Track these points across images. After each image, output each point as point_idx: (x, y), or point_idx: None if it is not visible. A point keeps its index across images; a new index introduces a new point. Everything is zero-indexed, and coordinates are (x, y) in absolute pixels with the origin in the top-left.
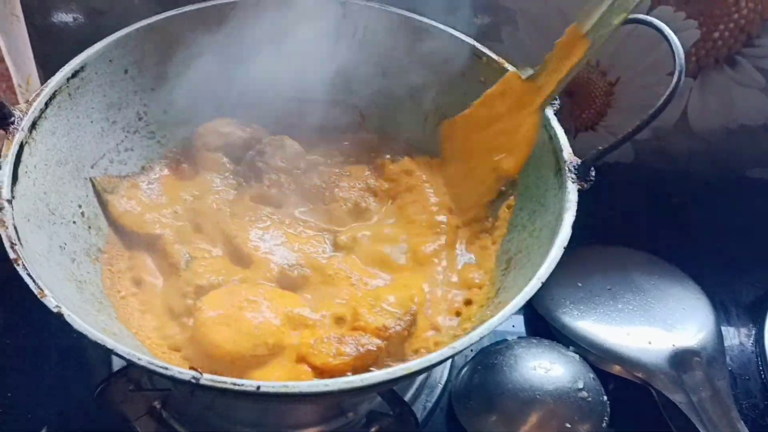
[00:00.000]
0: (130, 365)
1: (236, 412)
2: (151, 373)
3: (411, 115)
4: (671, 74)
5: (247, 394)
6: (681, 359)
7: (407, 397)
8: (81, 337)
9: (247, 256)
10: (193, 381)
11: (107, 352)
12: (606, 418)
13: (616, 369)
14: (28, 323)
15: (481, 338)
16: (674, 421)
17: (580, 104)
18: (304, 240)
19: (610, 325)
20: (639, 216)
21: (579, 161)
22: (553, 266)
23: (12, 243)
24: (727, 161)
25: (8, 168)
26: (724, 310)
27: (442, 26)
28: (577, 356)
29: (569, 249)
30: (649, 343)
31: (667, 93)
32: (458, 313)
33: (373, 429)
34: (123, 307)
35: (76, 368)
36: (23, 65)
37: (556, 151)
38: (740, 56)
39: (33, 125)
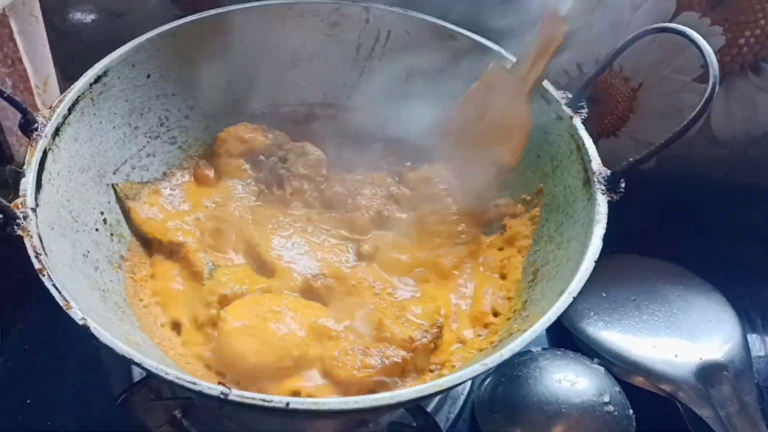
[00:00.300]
0: (156, 378)
1: (258, 422)
2: (178, 388)
3: (434, 122)
4: (696, 80)
5: (277, 411)
6: (708, 373)
7: (430, 408)
8: (102, 345)
9: (270, 265)
10: (222, 397)
11: (132, 364)
12: None
13: (640, 381)
14: (47, 329)
15: (513, 354)
16: None
17: (602, 110)
18: (327, 249)
19: (635, 336)
20: (661, 224)
21: (609, 172)
22: (584, 281)
23: (37, 253)
24: (751, 169)
25: (32, 176)
26: (748, 320)
27: (466, 32)
28: (602, 369)
29: None
30: (676, 356)
31: (702, 104)
32: (485, 326)
33: None
34: (145, 316)
35: (96, 375)
36: (41, 66)
37: (585, 161)
38: (765, 63)
39: (56, 131)
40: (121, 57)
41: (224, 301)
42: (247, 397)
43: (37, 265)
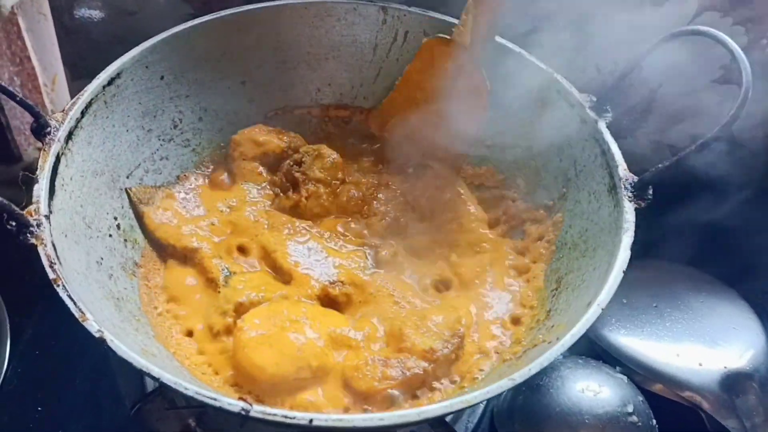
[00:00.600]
0: (174, 393)
1: None
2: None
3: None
4: (716, 81)
5: (300, 428)
6: (733, 382)
7: (449, 417)
8: (119, 358)
9: (287, 272)
10: (243, 413)
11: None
12: None
13: (663, 390)
14: (59, 336)
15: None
16: None
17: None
18: (344, 255)
19: (658, 344)
20: (681, 228)
21: (636, 178)
22: (612, 292)
23: (51, 262)
24: None
25: (45, 181)
26: None
27: None
28: (625, 378)
29: None
30: (700, 364)
31: (735, 108)
32: (507, 336)
33: None
34: (160, 324)
35: (107, 380)
36: (50, 65)
37: (610, 166)
38: None
39: (69, 135)
40: (134, 58)
41: (240, 309)
42: (269, 414)
43: (51, 275)
